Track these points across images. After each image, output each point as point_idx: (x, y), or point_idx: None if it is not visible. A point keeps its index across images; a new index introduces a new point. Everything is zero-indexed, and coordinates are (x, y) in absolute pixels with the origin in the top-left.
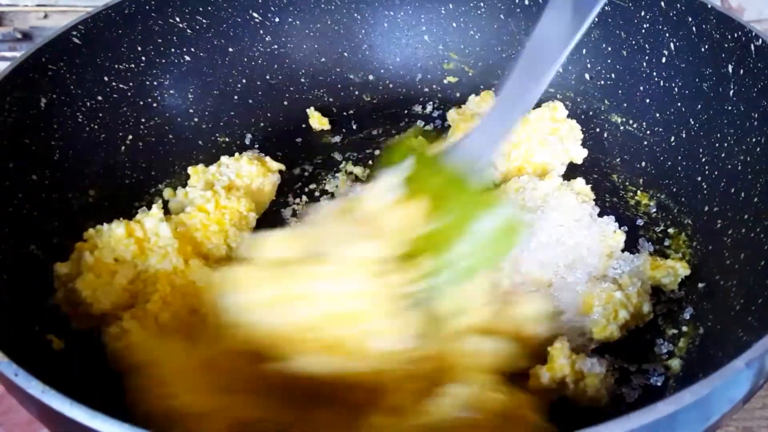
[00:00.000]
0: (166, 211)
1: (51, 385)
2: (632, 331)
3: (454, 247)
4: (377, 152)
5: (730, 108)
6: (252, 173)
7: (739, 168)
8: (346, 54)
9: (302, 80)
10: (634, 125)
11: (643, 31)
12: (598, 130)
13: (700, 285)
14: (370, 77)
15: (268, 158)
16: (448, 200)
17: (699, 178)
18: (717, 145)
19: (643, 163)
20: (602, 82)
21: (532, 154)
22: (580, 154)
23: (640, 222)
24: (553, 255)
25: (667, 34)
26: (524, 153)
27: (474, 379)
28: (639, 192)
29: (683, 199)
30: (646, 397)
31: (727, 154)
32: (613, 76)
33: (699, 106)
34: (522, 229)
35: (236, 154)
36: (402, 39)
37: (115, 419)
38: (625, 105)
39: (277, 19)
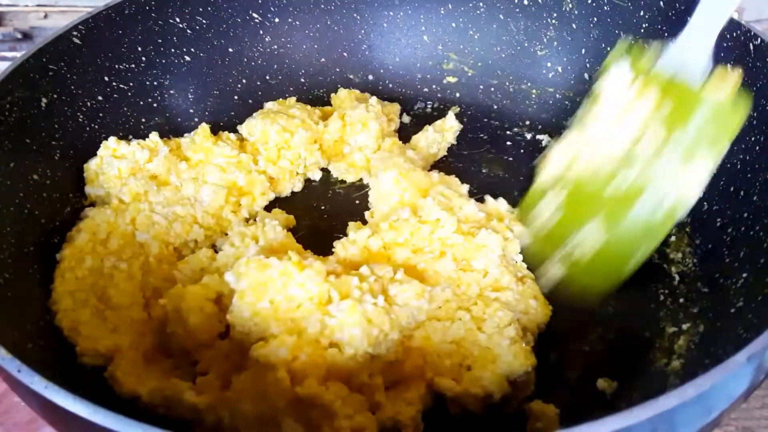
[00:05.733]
0: None
1: (53, 381)
2: (632, 329)
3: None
4: None
5: None
6: None
7: (739, 166)
8: (346, 54)
9: (302, 80)
10: None
11: (643, 31)
12: None
13: (700, 283)
14: (370, 77)
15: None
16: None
17: None
18: None
19: None
20: None
21: None
22: None
23: None
24: None
25: (666, 34)
26: None
27: None
28: None
29: None
30: (646, 395)
31: (726, 153)
32: None
33: None
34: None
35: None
36: (402, 39)
37: (117, 414)
38: None
39: (277, 20)
